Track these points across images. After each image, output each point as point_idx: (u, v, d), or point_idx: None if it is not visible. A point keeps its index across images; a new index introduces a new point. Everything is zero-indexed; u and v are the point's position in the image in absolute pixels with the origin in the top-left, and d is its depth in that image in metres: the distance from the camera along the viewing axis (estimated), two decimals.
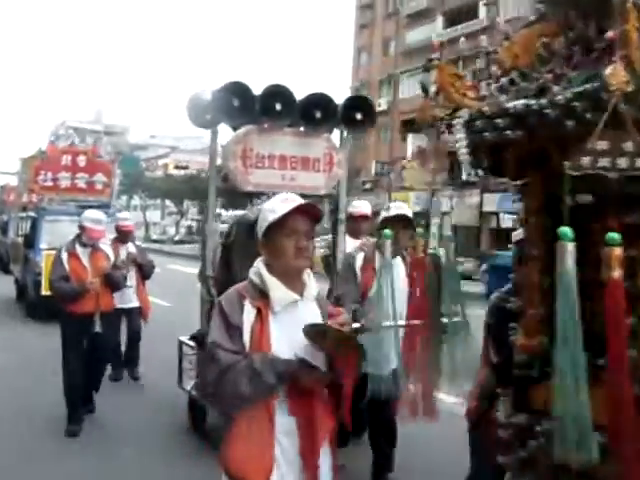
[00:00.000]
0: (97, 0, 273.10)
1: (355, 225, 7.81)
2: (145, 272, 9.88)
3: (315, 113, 6.57)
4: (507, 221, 35.93)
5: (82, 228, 7.62)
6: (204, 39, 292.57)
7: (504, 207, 38.29)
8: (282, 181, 6.58)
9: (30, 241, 16.05)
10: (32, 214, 17.90)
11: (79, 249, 7.59)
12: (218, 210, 10.44)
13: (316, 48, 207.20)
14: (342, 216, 7.28)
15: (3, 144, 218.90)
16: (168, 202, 74.57)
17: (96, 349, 7.60)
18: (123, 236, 9.81)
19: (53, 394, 7.79)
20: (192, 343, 7.00)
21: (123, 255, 8.93)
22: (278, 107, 6.34)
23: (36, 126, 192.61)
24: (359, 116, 6.90)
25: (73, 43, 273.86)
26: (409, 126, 48.17)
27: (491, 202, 40.84)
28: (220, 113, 6.35)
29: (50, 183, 17.02)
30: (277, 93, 6.41)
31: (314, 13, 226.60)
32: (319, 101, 6.63)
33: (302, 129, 6.77)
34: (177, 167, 66.87)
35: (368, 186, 51.80)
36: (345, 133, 7.17)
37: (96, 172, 17.39)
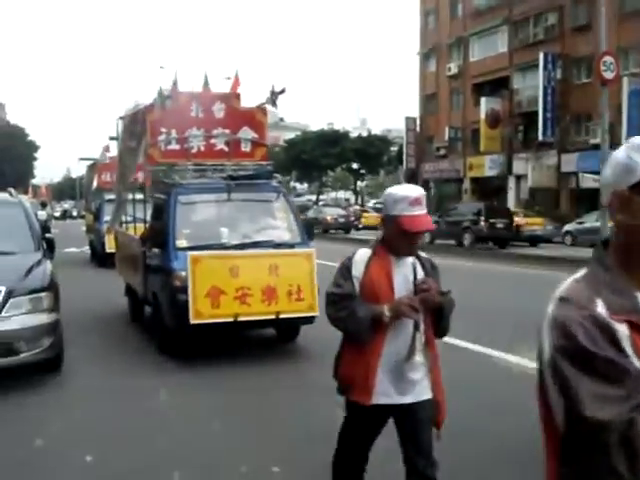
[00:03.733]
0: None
1: None
2: None
3: None
4: (587, 181, 34.86)
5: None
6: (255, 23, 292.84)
7: (584, 167, 37.25)
8: None
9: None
10: (160, 195, 10.38)
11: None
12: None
13: (383, 14, 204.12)
14: None
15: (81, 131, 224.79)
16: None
17: None
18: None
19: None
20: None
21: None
22: None
23: (109, 110, 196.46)
24: None
25: (144, 23, 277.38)
26: (481, 89, 47.37)
27: (569, 162, 39.77)
28: None
29: (177, 146, 10.56)
30: None
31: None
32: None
33: None
34: None
35: (442, 152, 51.10)
36: None
37: (241, 125, 10.86)
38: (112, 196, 21.48)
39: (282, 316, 8.46)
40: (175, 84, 10.41)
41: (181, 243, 8.89)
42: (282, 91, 11.71)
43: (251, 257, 8.69)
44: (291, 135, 71.01)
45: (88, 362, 8.79)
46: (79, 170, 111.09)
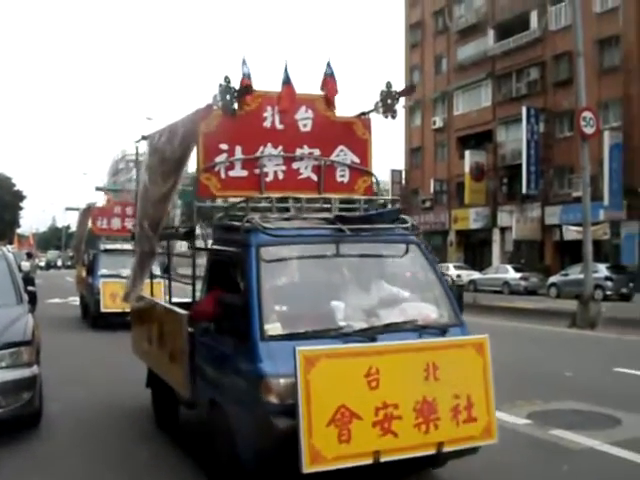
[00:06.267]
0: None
1: None
2: None
3: None
4: (571, 233, 35.18)
5: None
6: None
7: (567, 219, 37.59)
8: None
9: None
10: (225, 248, 8.36)
11: None
12: None
13: (368, 69, 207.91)
14: None
15: (68, 179, 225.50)
16: None
17: None
18: None
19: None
20: None
21: None
22: None
23: (96, 160, 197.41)
24: None
25: (134, 72, 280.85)
26: (466, 142, 47.99)
27: (553, 215, 40.14)
28: None
29: (243, 172, 9.76)
30: None
31: (363, 33, 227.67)
32: None
33: None
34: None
35: (428, 204, 51.48)
36: None
37: (336, 144, 9.37)
38: (111, 246, 20.43)
39: (446, 449, 5.26)
40: (247, 75, 6.79)
41: (274, 328, 5.44)
42: (409, 90, 8.46)
43: (396, 352, 5.25)
44: None
45: (69, 418, 8.59)
46: (65, 220, 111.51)
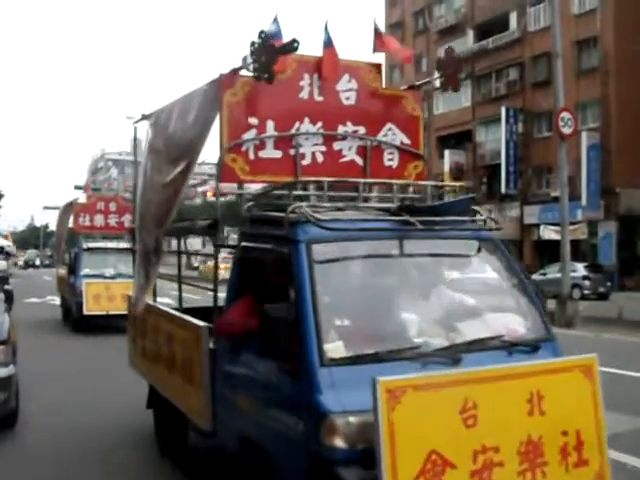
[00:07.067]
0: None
1: None
2: None
3: None
4: (549, 232, 35.43)
5: None
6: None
7: (545, 219, 37.87)
8: None
9: None
10: (262, 245, 6.61)
11: None
12: None
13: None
14: None
15: (46, 179, 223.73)
16: None
17: None
18: None
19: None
20: None
21: None
22: None
23: (75, 159, 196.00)
24: None
25: (112, 71, 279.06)
26: (446, 142, 48.17)
27: (532, 214, 40.39)
28: None
29: (276, 152, 8.40)
30: None
31: (344, 31, 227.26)
32: None
33: None
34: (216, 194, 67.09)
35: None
36: None
37: (383, 121, 8.34)
38: (94, 244, 19.31)
39: None
40: (277, 34, 5.80)
41: (335, 349, 4.19)
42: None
43: (495, 380, 4.04)
44: None
45: (44, 417, 8.49)
46: (43, 219, 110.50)
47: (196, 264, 40.79)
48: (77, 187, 57.80)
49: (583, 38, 37.51)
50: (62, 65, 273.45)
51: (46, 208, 72.94)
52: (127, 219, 19.98)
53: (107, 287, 16.58)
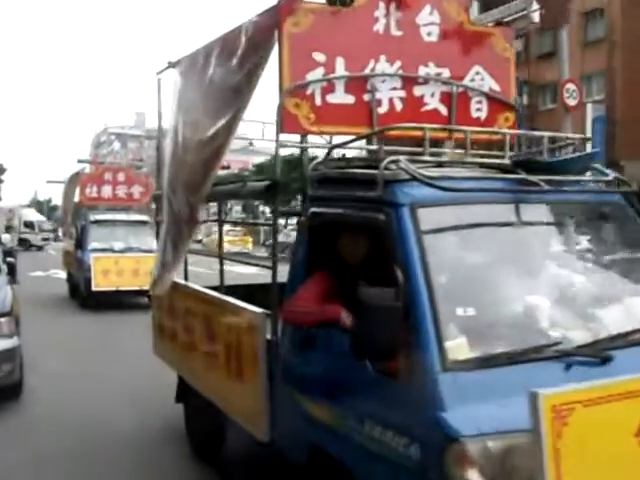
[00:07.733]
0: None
1: None
2: None
3: None
4: None
5: None
6: None
7: None
8: None
9: None
10: (344, 211, 5.13)
11: None
12: None
13: None
14: None
15: (46, 154, 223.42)
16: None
17: None
18: None
19: None
20: None
21: None
22: None
23: (78, 133, 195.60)
24: None
25: (115, 43, 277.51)
26: None
27: None
28: None
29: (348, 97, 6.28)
30: None
31: None
32: None
33: None
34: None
35: None
36: None
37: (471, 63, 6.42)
38: (102, 216, 18.12)
39: None
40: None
41: (459, 348, 3.17)
42: None
43: None
44: (261, 159, 70.86)
45: (49, 389, 8.49)
46: (46, 193, 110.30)
47: (200, 237, 40.61)
48: (80, 161, 57.56)
49: (589, 9, 37.13)
50: (64, 38, 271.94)
51: (49, 182, 72.75)
52: (137, 190, 19.84)
53: (116, 261, 15.95)
